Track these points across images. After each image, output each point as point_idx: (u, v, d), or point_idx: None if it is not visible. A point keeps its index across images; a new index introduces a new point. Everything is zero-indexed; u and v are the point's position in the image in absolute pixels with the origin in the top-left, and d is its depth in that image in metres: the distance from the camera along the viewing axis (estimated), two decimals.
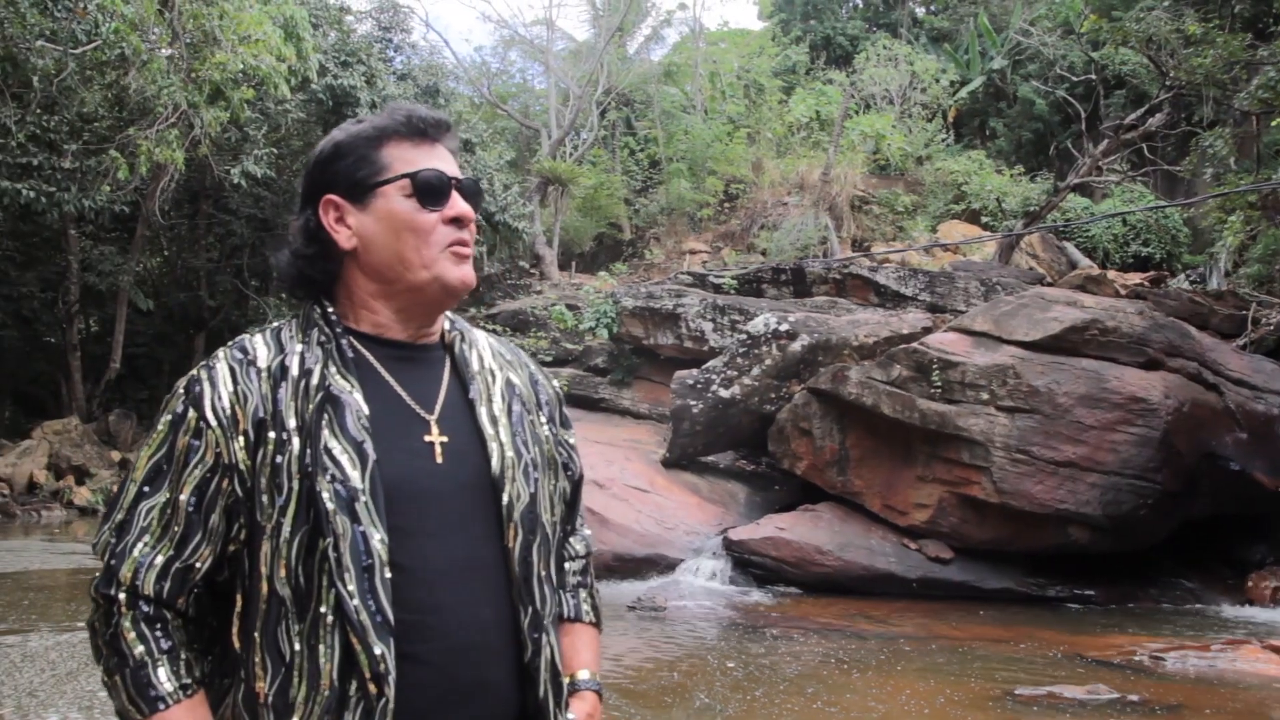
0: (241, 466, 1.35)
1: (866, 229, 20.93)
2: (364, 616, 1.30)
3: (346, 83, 17.04)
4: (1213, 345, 10.29)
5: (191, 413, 1.38)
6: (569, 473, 1.64)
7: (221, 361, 1.41)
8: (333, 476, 1.32)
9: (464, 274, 1.46)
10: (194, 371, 1.43)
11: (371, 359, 1.45)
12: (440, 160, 1.46)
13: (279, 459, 1.34)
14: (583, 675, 1.59)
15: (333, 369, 1.39)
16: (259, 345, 1.43)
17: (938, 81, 23.66)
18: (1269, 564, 9.23)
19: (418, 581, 1.35)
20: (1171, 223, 19.30)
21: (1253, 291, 12.83)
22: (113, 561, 1.36)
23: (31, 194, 13.30)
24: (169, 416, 1.40)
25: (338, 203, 1.45)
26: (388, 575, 1.32)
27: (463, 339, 1.55)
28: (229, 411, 1.37)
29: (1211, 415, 9.43)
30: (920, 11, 29.79)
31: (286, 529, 1.33)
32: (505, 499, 1.43)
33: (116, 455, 17.64)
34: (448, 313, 1.55)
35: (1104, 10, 18.83)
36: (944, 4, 29.00)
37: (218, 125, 13.22)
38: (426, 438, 1.42)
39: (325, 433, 1.34)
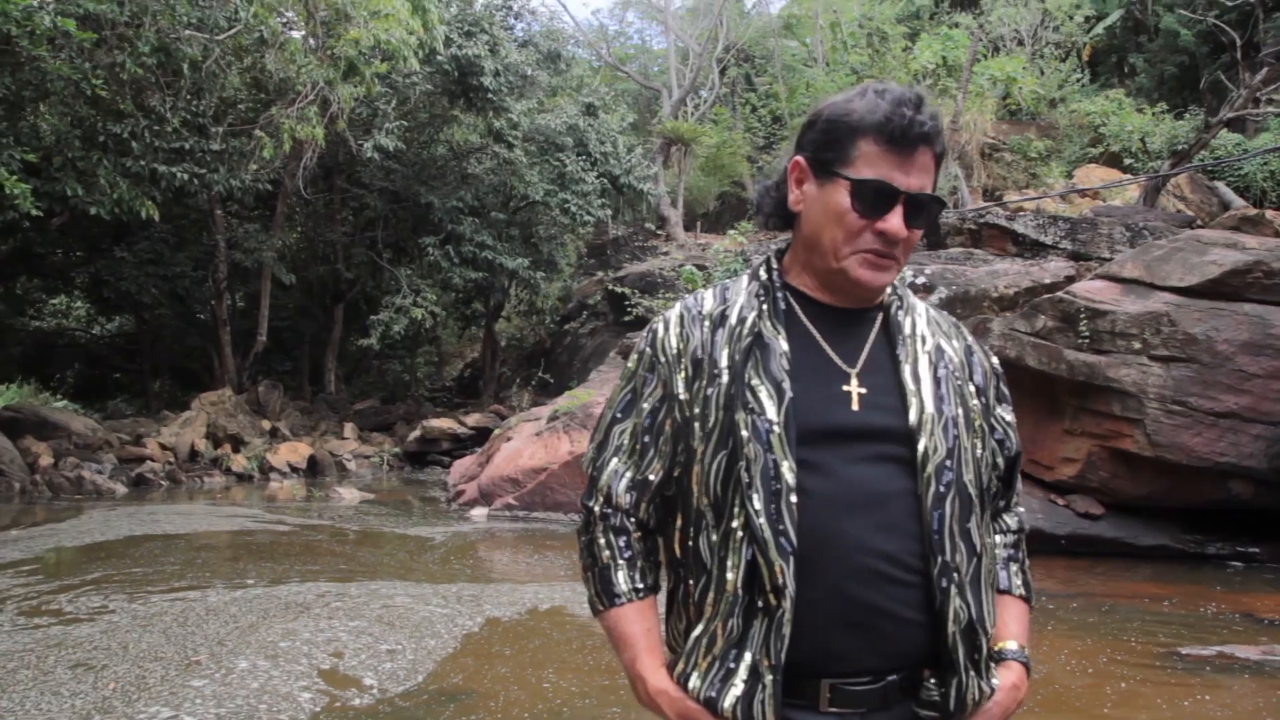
0: (682, 397, 1.55)
1: (998, 177, 20.20)
2: (768, 534, 1.42)
3: (471, 52, 17.29)
4: None
5: (649, 351, 1.62)
6: (1005, 449, 1.67)
7: (675, 310, 1.63)
8: (751, 409, 1.47)
9: (872, 278, 1.53)
10: (656, 317, 1.67)
11: (801, 313, 1.58)
12: (904, 170, 1.49)
13: (710, 391, 1.52)
14: (1011, 646, 1.62)
15: (765, 318, 1.55)
16: (707, 297, 1.63)
17: (1071, 18, 22.52)
18: None
19: (822, 507, 1.44)
20: None
21: None
22: (594, 472, 1.62)
23: (185, 176, 13.98)
24: (636, 355, 1.64)
25: (803, 167, 1.56)
26: (794, 500, 1.43)
27: (901, 304, 1.62)
28: (675, 350, 1.58)
29: None
30: None
31: (709, 453, 1.49)
32: (921, 448, 1.48)
33: (267, 424, 18.54)
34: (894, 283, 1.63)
35: None
36: None
37: (352, 101, 13.61)
38: (845, 387, 1.52)
39: (750, 371, 1.50)
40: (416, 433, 19.21)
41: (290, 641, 5.84)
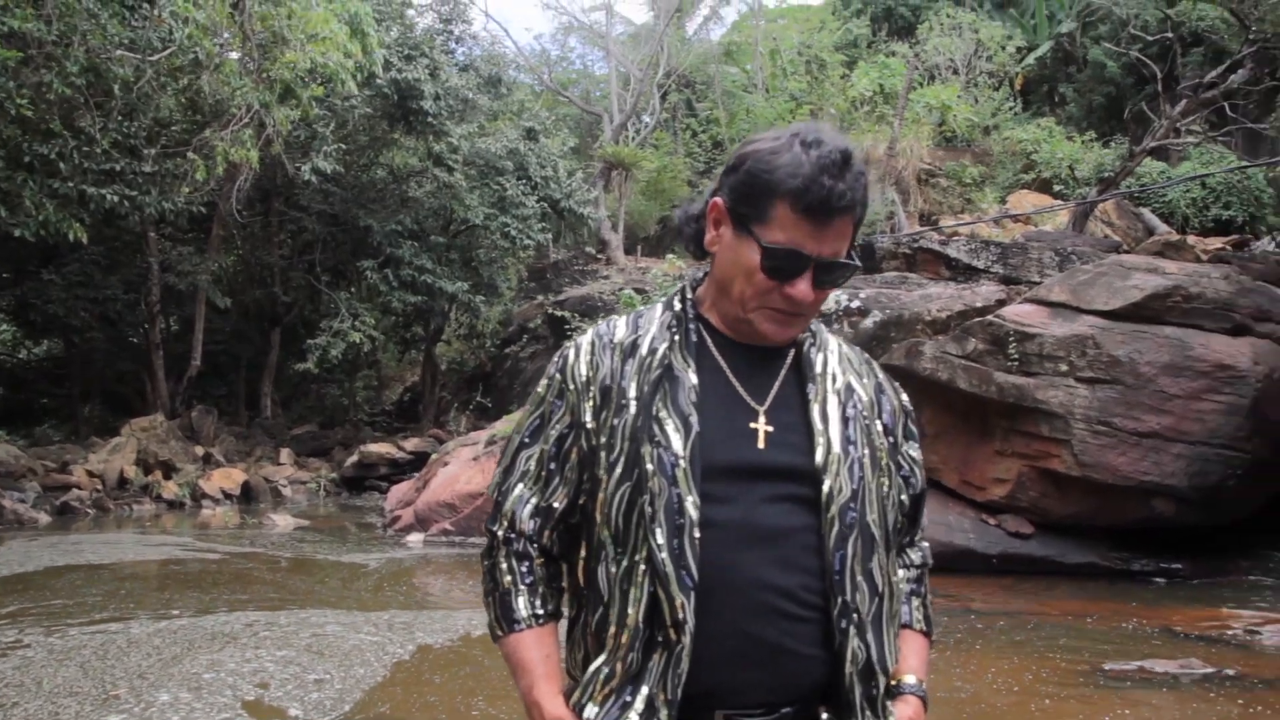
0: (589, 425, 1.54)
1: (934, 202, 20.59)
2: (670, 569, 1.42)
3: (411, 76, 17.25)
4: None
5: (559, 377, 1.61)
6: (911, 486, 1.68)
7: (586, 336, 1.63)
8: (658, 442, 1.46)
9: (777, 333, 1.54)
10: (568, 342, 1.66)
11: (712, 347, 1.58)
12: (818, 239, 1.47)
13: (616, 421, 1.51)
14: (908, 680, 1.62)
15: (675, 350, 1.54)
16: (619, 325, 1.63)
17: (1004, 49, 23.11)
18: None
19: (723, 542, 1.45)
20: (1254, 184, 18.63)
21: None
22: (499, 497, 1.62)
23: (115, 199, 13.71)
24: (546, 380, 1.63)
25: (721, 210, 1.55)
26: (696, 535, 1.43)
27: (813, 341, 1.62)
28: (584, 378, 1.57)
29: None
30: None
31: (613, 483, 1.49)
32: (825, 489, 1.48)
33: (200, 450, 18.18)
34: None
35: None
36: None
37: (288, 123, 13.49)
38: (752, 424, 1.51)
39: (658, 404, 1.49)
40: (354, 458, 18.97)
41: (215, 673, 5.72)
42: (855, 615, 1.46)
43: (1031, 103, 25.11)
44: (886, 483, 1.56)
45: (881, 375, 1.69)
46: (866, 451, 1.54)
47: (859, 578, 1.47)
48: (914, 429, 1.71)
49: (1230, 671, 5.88)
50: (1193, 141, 18.02)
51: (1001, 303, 10.61)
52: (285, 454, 19.64)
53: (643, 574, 1.44)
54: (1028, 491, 9.40)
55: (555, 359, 1.64)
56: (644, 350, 1.55)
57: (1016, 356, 9.34)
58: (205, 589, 8.62)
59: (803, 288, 1.48)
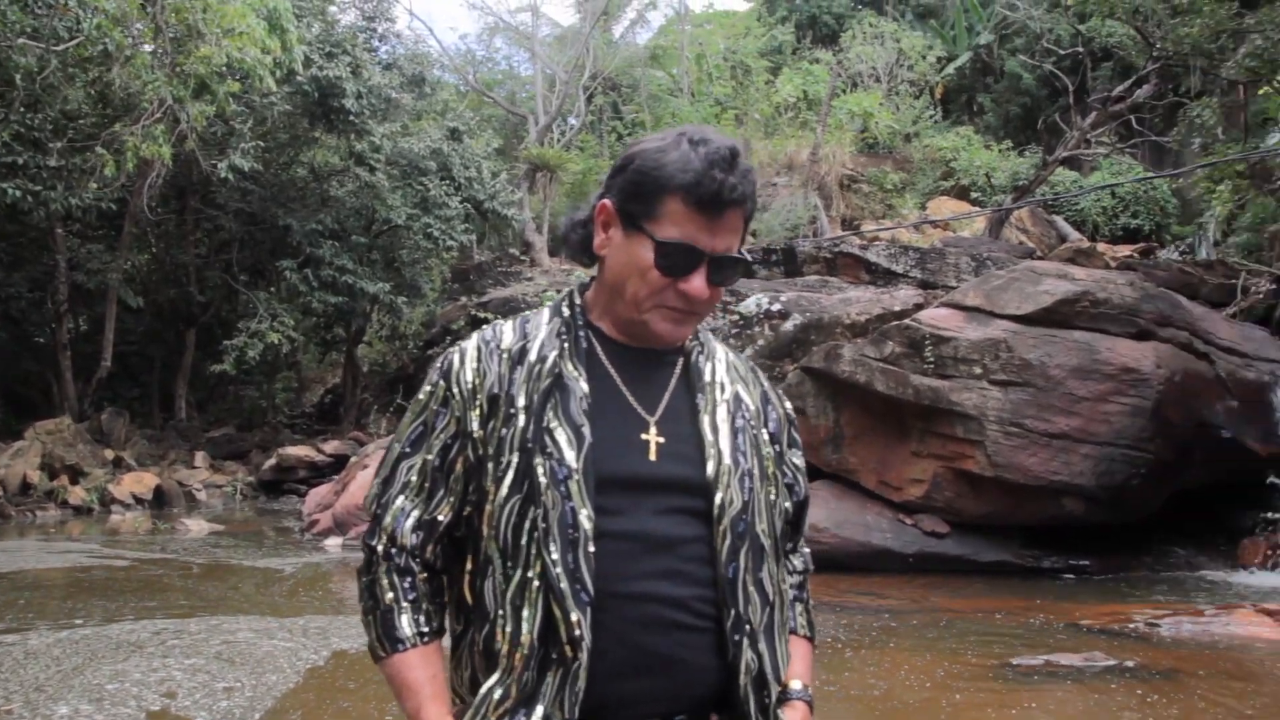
0: (476, 435, 1.49)
1: (856, 207, 20.93)
2: (565, 584, 1.39)
3: (332, 74, 16.95)
4: (1203, 314, 10.33)
5: (443, 384, 1.54)
6: (795, 494, 1.67)
7: (472, 341, 1.57)
8: (550, 453, 1.43)
9: (672, 332, 1.52)
10: (452, 348, 1.59)
11: (602, 355, 1.54)
12: (711, 233, 1.46)
13: (505, 432, 1.47)
14: (795, 685, 1.63)
15: (565, 358, 1.50)
16: (506, 330, 1.57)
17: (924, 58, 23.63)
18: (1261, 530, 9.29)
19: (617, 555, 1.42)
20: (1160, 194, 19.33)
21: (1242, 260, 12.87)
22: (378, 510, 1.55)
23: (18, 193, 13.24)
24: (428, 386, 1.57)
25: (610, 212, 1.52)
26: (591, 549, 1.40)
27: (701, 350, 1.61)
28: (470, 385, 1.52)
29: (1203, 384, 9.48)
30: None
31: (502, 496, 1.45)
32: (717, 502, 1.47)
33: (110, 454, 17.61)
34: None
35: None
36: None
37: (203, 119, 13.16)
38: (643, 435, 1.49)
39: (549, 413, 1.45)
40: (272, 461, 18.55)
41: (119, 683, 5.55)
42: (748, 626, 1.46)
43: (951, 111, 25.70)
44: (774, 491, 1.57)
45: (766, 384, 1.69)
46: (755, 462, 1.54)
47: (750, 588, 1.48)
48: (797, 437, 1.71)
49: (1130, 663, 6.07)
50: (1103, 152, 18.61)
51: (919, 307, 10.81)
52: (200, 457, 19.13)
53: (536, 590, 1.40)
54: (943, 492, 9.58)
55: (438, 364, 1.58)
56: (533, 357, 1.51)
57: (932, 359, 9.52)
58: (111, 597, 8.35)
59: (698, 283, 1.47)
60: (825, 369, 9.99)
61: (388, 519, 1.52)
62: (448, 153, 19.75)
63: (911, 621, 7.55)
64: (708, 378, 1.57)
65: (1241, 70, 13.15)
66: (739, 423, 1.55)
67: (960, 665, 6.25)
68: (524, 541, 1.42)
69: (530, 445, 1.43)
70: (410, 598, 1.51)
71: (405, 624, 1.50)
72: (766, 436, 1.60)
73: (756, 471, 1.53)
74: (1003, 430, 9.18)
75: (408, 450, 1.55)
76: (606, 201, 1.52)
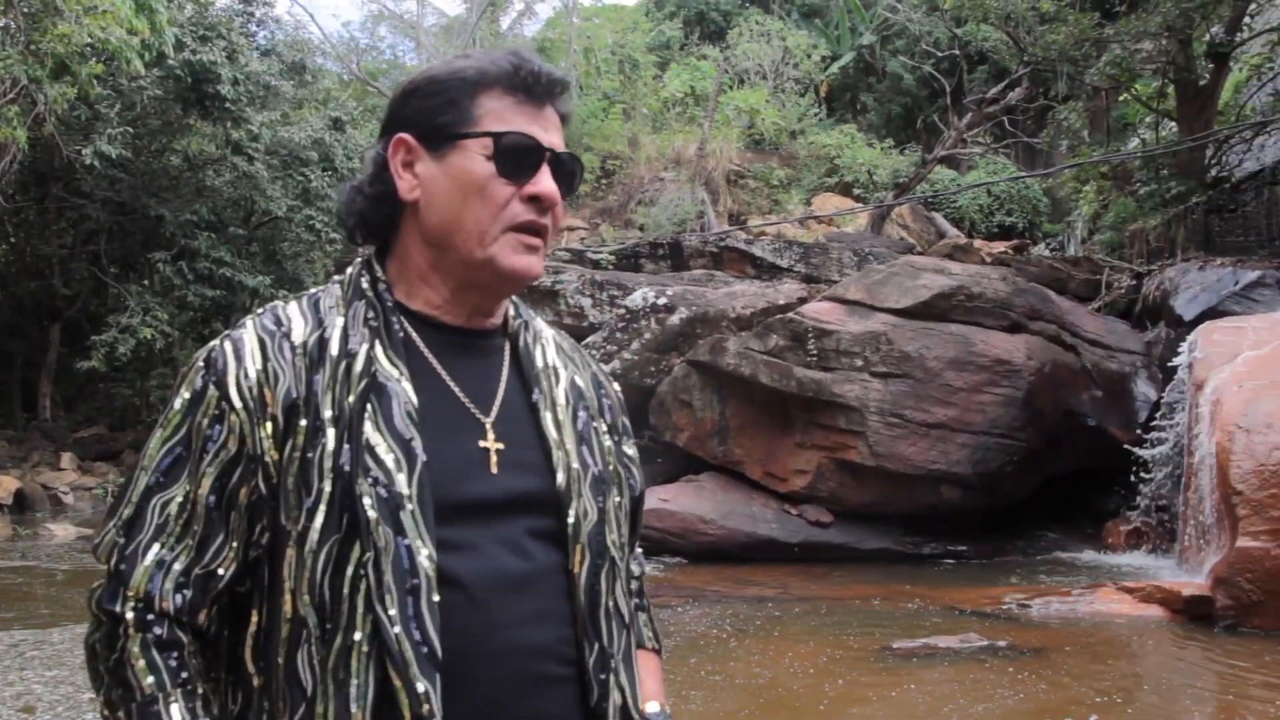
0: (267, 458, 1.15)
1: (742, 202, 21.19)
2: (406, 647, 1.10)
3: (206, 58, 16.31)
4: (1070, 308, 10.78)
5: (213, 390, 1.17)
6: (632, 490, 1.40)
7: (249, 330, 1.21)
8: (375, 479, 1.13)
9: (526, 264, 1.24)
10: (216, 341, 1.22)
11: (421, 344, 1.25)
12: (542, 126, 1.24)
13: (310, 453, 1.14)
14: (652, 708, 1.39)
15: (380, 351, 1.19)
16: (294, 315, 1.23)
17: (809, 57, 24.07)
18: (1122, 512, 9.74)
19: (466, 602, 1.15)
20: (1032, 193, 20.13)
21: (1105, 257, 13.48)
22: (121, 566, 1.15)
23: None
24: (187, 393, 1.19)
25: (410, 144, 1.24)
26: (436, 599, 1.12)
27: (527, 329, 1.35)
28: (256, 391, 1.16)
29: (1070, 375, 9.89)
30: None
31: (314, 537, 1.13)
32: (571, 517, 1.23)
33: None
34: (514, 301, 1.35)
35: None
36: None
37: (64, 102, 12.49)
38: (481, 443, 1.22)
39: (368, 426, 1.14)
40: None
41: None
42: (612, 661, 1.26)
43: (835, 109, 26.25)
44: (618, 494, 1.33)
45: (595, 365, 1.45)
46: (602, 462, 1.31)
47: (611, 615, 1.26)
48: (628, 424, 1.46)
49: (1003, 643, 6.30)
50: (979, 152, 19.27)
51: (803, 300, 11.00)
52: (67, 458, 18.22)
53: (366, 656, 1.11)
54: (827, 482, 9.78)
55: (198, 365, 1.20)
56: (335, 351, 1.18)
57: (815, 352, 9.70)
58: None
59: (547, 182, 1.23)
60: (711, 362, 10.07)
61: (137, 576, 1.14)
62: (330, 143, 19.26)
63: (795, 610, 7.68)
64: (540, 363, 1.32)
65: (1103, 77, 13.76)
66: (580, 416, 1.32)
67: (842, 651, 6.38)
68: (345, 595, 1.11)
69: (348, 469, 1.12)
70: (180, 679, 1.14)
71: (176, 716, 1.13)
72: (604, 428, 1.36)
73: (608, 474, 1.31)
74: (883, 421, 9.40)
75: (161, 480, 1.17)
76: (403, 135, 1.24)
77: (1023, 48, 14.96)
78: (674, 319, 11.08)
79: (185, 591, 1.15)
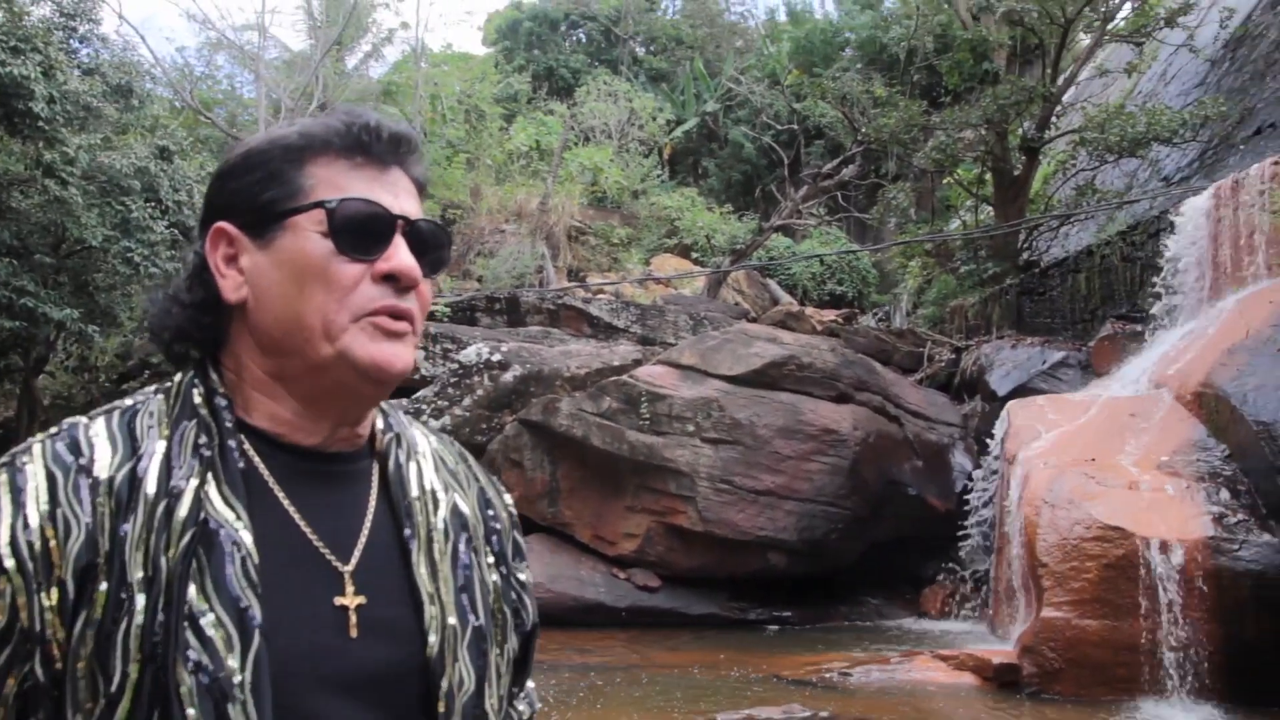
0: (49, 635, 0.89)
1: (583, 259, 21.26)
2: None
3: (17, 71, 15.20)
4: (895, 380, 11.18)
5: None
6: (519, 624, 1.18)
7: (36, 461, 0.93)
8: (196, 663, 0.88)
9: (389, 353, 1.00)
10: None
11: (266, 474, 1.00)
12: (389, 191, 1.03)
13: (114, 629, 0.88)
14: None
15: (212, 489, 0.94)
16: (99, 440, 0.96)
17: (654, 119, 24.54)
18: (939, 580, 10.08)
19: None
20: (862, 265, 21.00)
21: (928, 331, 14.11)
22: None
23: None
24: None
25: (231, 234, 1.02)
26: None
27: (399, 444, 1.11)
28: (38, 547, 0.89)
29: (893, 445, 10.22)
30: (640, 51, 30.85)
31: None
32: (444, 686, 1.02)
33: None
34: (384, 407, 1.12)
35: (806, 67, 20.27)
36: (662, 46, 30.20)
37: None
38: (338, 600, 0.99)
39: (191, 590, 0.90)
40: None
41: None
42: None
43: (677, 172, 26.84)
44: (502, 639, 1.12)
45: (483, 477, 1.22)
46: (486, 613, 1.09)
47: None
48: (523, 544, 1.24)
49: (825, 713, 6.31)
50: (813, 223, 19.99)
51: (638, 363, 11.01)
52: None
53: None
54: (656, 546, 9.73)
55: None
56: (152, 490, 0.93)
57: (648, 416, 9.69)
58: None
59: (403, 255, 1.01)
60: (543, 422, 9.93)
61: None
62: (155, 172, 18.24)
63: (617, 679, 7.53)
64: (414, 490, 1.09)
65: (930, 161, 14.53)
66: (461, 554, 1.09)
67: None
68: None
69: (160, 649, 0.88)
70: None
71: None
72: (491, 561, 1.15)
73: (490, 628, 1.10)
74: (713, 487, 9.45)
75: None
76: (222, 225, 1.03)
77: (857, 127, 15.66)
78: (508, 376, 10.88)
79: None
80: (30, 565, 0.89)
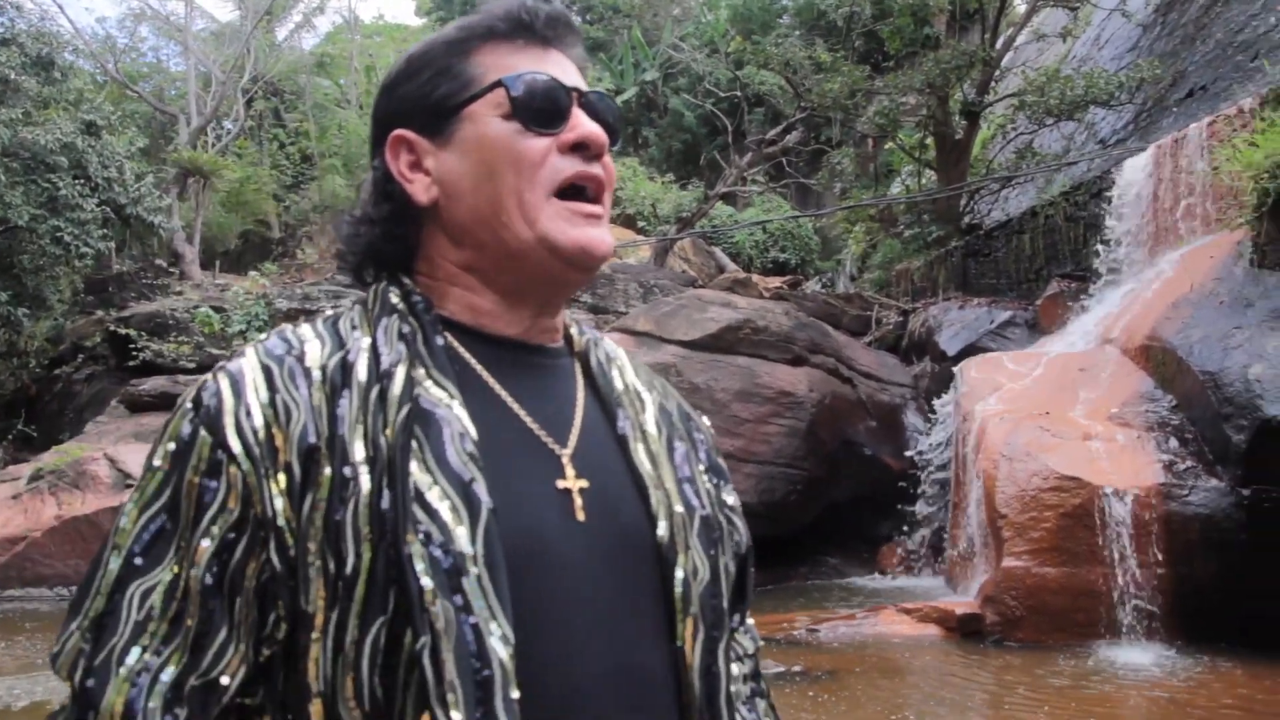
0: (281, 522, 0.87)
1: None
2: None
3: None
4: (846, 342, 11.35)
5: (204, 436, 0.88)
6: (737, 546, 1.10)
7: (249, 358, 0.93)
8: (428, 536, 0.85)
9: (590, 236, 0.99)
10: (207, 375, 0.93)
11: (472, 360, 0.98)
12: (555, 66, 1.02)
13: (339, 511, 0.86)
14: None
15: (421, 371, 0.92)
16: (308, 336, 0.96)
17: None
18: (896, 538, 10.30)
19: (550, 701, 0.88)
20: (805, 231, 21.20)
21: (875, 294, 14.32)
22: (89, 682, 0.85)
23: None
24: (171, 445, 0.90)
25: (411, 140, 1.01)
26: (514, 695, 0.84)
27: (597, 347, 1.10)
28: (263, 433, 0.88)
29: (848, 406, 10.39)
30: (578, 20, 30.57)
31: (353, 623, 0.85)
32: (679, 575, 0.97)
33: None
34: (574, 318, 1.12)
35: (746, 33, 20.29)
36: (599, 15, 29.99)
37: None
38: (560, 483, 0.95)
39: (414, 467, 0.87)
40: None
41: None
42: None
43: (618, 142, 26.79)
44: (724, 549, 1.05)
45: (677, 395, 1.18)
46: (711, 506, 1.05)
47: (732, 711, 1.01)
48: (725, 467, 1.17)
49: (797, 667, 6.45)
50: (756, 190, 20.10)
51: None
52: None
53: None
54: None
55: (184, 406, 0.92)
56: (363, 375, 0.92)
57: None
58: None
59: (587, 123, 1.00)
60: None
61: (110, 695, 0.84)
62: (83, 148, 17.71)
63: None
64: (619, 385, 1.07)
65: (872, 126, 14.71)
66: (677, 448, 1.06)
67: None
68: (399, 697, 0.84)
69: (391, 524, 0.85)
70: None
71: None
72: (703, 467, 1.09)
73: (714, 519, 1.05)
74: None
75: (139, 563, 0.87)
76: (400, 132, 1.02)
77: (800, 94, 15.75)
78: None
79: (178, 711, 0.85)
80: (257, 450, 0.88)
